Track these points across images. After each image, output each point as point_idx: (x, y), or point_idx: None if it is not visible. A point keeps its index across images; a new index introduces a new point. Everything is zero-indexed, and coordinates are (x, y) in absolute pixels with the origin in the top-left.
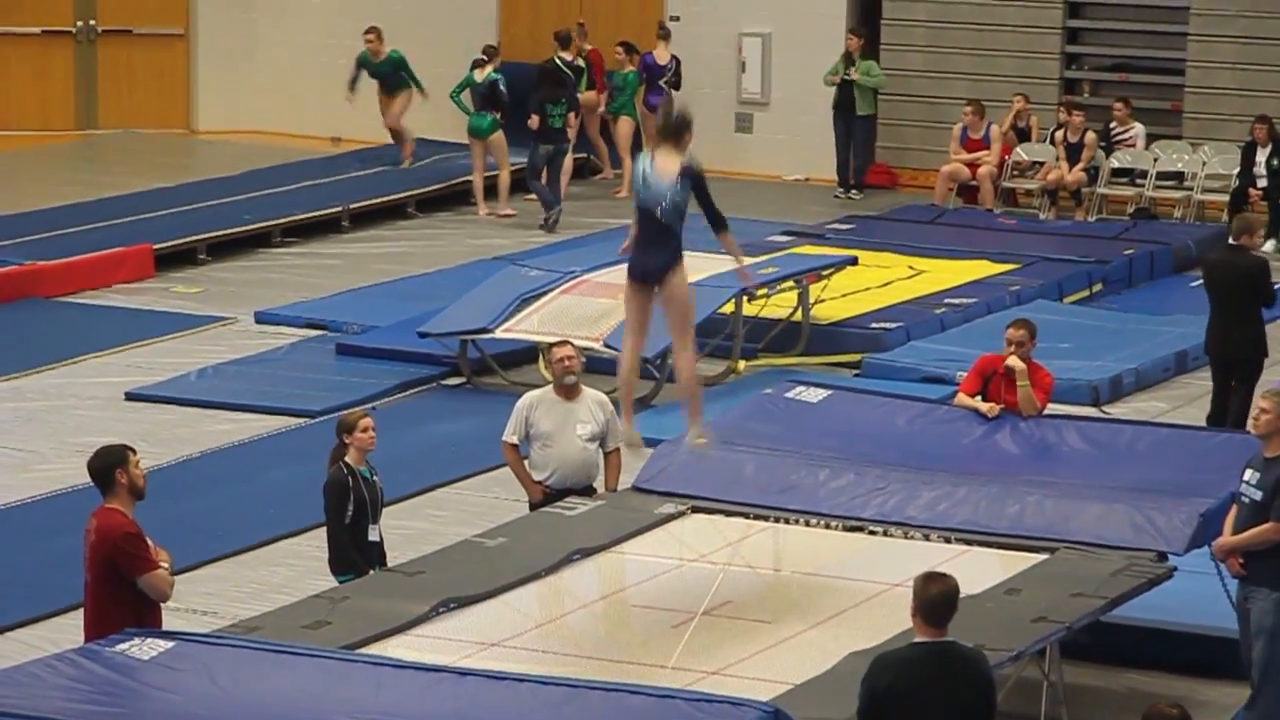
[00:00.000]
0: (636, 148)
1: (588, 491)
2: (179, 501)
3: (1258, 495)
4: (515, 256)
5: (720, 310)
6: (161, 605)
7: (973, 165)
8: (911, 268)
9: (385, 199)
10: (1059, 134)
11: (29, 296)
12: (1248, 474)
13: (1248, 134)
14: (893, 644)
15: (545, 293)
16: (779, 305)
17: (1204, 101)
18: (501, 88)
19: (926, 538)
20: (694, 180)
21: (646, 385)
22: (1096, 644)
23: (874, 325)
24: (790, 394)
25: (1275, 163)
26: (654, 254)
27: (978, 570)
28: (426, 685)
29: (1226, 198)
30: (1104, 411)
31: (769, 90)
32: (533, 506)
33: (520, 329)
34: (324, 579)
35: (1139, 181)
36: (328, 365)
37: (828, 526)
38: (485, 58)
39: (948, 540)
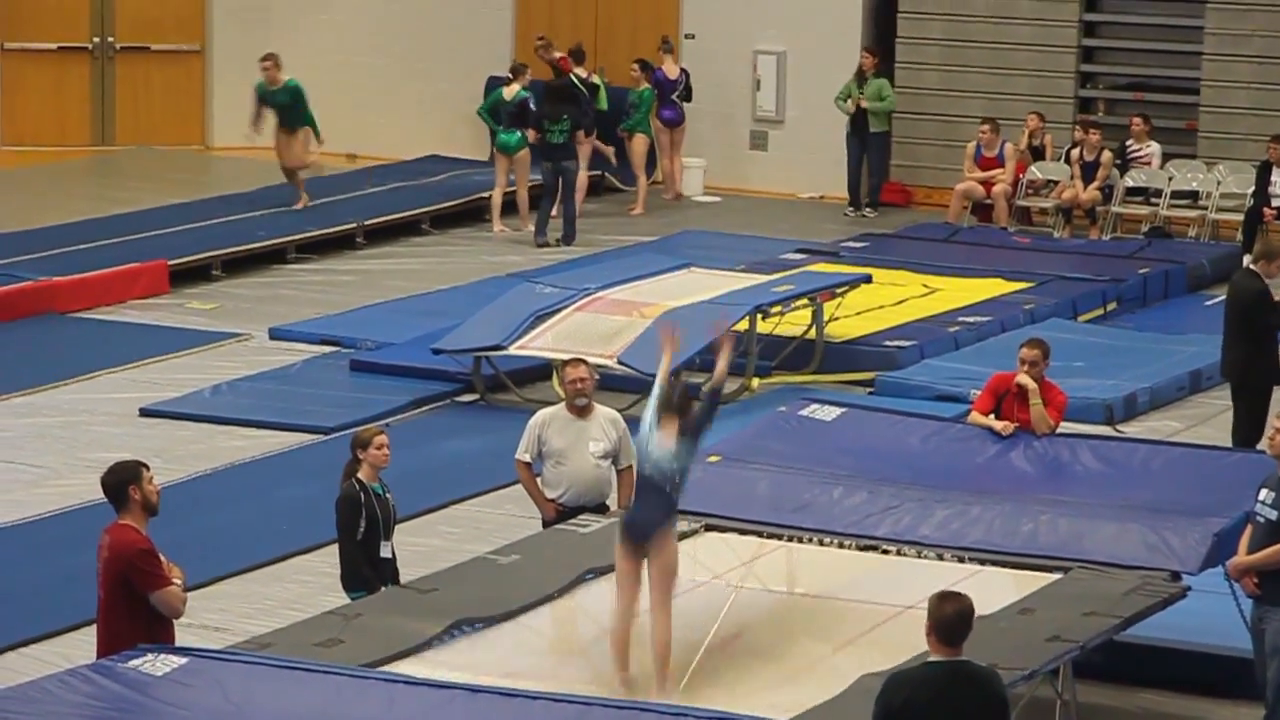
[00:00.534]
0: (651, 165)
1: (601, 509)
2: (192, 517)
3: (1273, 515)
4: (529, 273)
5: (734, 327)
6: (174, 621)
7: (987, 183)
8: (926, 286)
9: (400, 215)
10: (1074, 152)
11: (44, 312)
12: (1263, 493)
13: (1263, 153)
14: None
15: (559, 310)
16: (793, 323)
17: (1219, 121)
18: (531, 105)
19: (940, 557)
20: (697, 420)
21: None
22: (1110, 663)
23: (888, 343)
24: (804, 412)
25: None
26: (650, 511)
27: (991, 589)
28: (439, 703)
29: (1241, 217)
30: (1118, 430)
31: (783, 108)
32: (546, 524)
33: (534, 346)
34: (336, 595)
35: (1154, 200)
36: (342, 381)
37: (841, 545)
38: (511, 75)
39: (961, 559)
